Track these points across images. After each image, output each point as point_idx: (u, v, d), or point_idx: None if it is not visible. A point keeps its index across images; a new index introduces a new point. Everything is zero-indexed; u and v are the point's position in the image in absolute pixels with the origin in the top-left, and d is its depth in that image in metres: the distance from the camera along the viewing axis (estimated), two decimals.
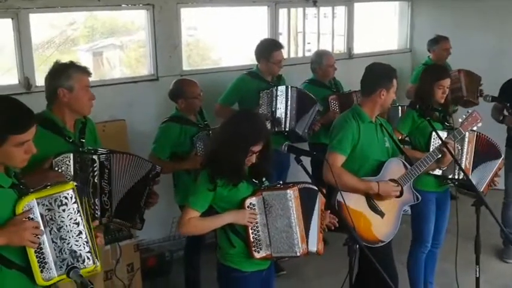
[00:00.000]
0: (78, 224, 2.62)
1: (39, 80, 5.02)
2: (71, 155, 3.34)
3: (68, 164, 3.32)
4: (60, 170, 3.28)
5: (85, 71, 3.55)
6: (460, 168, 4.28)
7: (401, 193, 4.01)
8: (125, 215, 3.60)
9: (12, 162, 2.64)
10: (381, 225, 3.99)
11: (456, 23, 7.58)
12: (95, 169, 3.40)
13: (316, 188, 3.35)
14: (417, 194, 4.13)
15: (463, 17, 7.65)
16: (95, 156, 3.41)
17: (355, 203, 3.88)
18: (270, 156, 3.39)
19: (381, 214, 3.98)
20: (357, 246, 3.13)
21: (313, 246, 3.37)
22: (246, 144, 3.25)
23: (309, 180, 3.37)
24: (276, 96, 5.35)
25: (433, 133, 4.32)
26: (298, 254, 3.28)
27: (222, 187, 3.27)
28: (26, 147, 2.60)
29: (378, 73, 4.04)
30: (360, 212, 3.90)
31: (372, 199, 3.96)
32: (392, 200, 4.00)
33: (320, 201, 3.41)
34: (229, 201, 3.31)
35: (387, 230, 4.01)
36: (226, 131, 3.37)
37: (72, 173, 3.31)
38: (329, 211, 3.47)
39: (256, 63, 5.60)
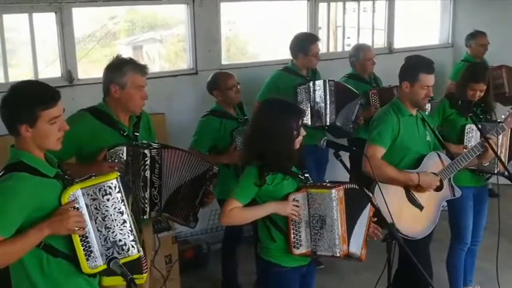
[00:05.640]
0: (122, 213, 2.66)
1: (81, 73, 5.11)
2: (124, 148, 3.40)
3: (121, 157, 3.39)
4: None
5: (140, 70, 3.52)
6: (502, 163, 4.21)
7: (442, 187, 3.98)
8: (177, 211, 3.65)
9: (48, 142, 2.65)
10: (420, 218, 3.97)
11: (500, 18, 7.38)
12: (146, 163, 3.46)
13: (370, 195, 3.30)
14: (457, 188, 4.09)
15: (508, 11, 7.41)
16: (146, 151, 3.47)
17: (394, 195, 3.85)
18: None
19: (420, 207, 3.97)
20: (395, 242, 3.11)
21: (356, 250, 3.31)
22: (293, 128, 3.24)
23: (348, 176, 3.34)
24: (314, 90, 5.30)
25: (467, 127, 4.32)
26: (338, 255, 3.22)
27: (269, 182, 3.25)
28: (58, 124, 2.64)
29: (405, 65, 4.06)
30: (398, 204, 3.86)
31: (411, 192, 3.94)
32: (432, 194, 3.99)
33: (370, 209, 3.35)
34: (273, 196, 3.28)
35: (426, 224, 3.99)
36: (266, 125, 3.27)
37: (124, 165, 3.37)
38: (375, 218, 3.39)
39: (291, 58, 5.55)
